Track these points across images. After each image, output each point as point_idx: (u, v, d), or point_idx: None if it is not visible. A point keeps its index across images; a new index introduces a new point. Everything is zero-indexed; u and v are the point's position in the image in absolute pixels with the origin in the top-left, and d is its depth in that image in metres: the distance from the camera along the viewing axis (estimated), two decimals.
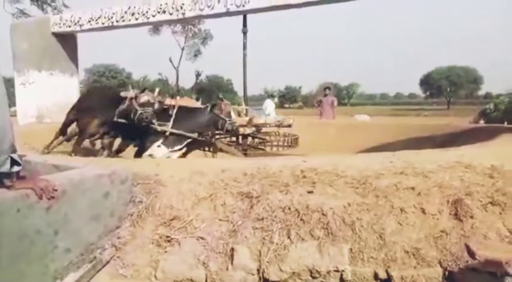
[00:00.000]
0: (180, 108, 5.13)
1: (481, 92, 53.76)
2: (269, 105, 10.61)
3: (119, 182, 2.49)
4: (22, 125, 7.80)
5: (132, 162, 3.14)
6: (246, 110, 6.96)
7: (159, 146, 4.97)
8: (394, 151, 3.46)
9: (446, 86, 49.49)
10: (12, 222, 1.74)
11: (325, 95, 10.89)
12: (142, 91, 4.89)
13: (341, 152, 6.60)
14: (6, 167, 1.71)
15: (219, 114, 5.09)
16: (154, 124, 4.83)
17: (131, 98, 4.76)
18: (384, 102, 74.77)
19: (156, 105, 4.89)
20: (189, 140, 5.10)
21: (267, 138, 6.54)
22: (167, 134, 4.92)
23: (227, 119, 5.06)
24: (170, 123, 4.90)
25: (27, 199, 1.81)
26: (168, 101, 5.42)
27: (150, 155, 4.89)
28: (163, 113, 5.03)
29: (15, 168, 1.76)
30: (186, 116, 5.10)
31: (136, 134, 5.14)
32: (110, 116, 4.94)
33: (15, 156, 1.75)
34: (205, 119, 5.15)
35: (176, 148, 5.10)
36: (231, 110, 5.50)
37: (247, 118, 6.52)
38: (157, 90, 5.14)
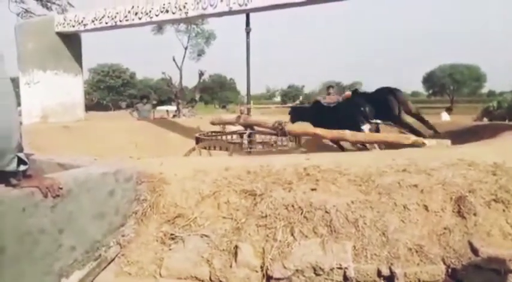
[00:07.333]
0: None
1: (484, 90, 53.44)
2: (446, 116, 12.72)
3: (123, 180, 2.51)
4: (27, 124, 7.84)
5: (137, 161, 3.16)
6: (248, 109, 6.96)
7: None
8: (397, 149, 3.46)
9: (449, 83, 49.20)
10: (17, 220, 1.74)
11: (329, 94, 10.87)
12: None
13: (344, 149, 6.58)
14: (12, 166, 1.72)
15: None
16: None
17: None
18: None
19: None
20: None
21: (274, 137, 6.53)
22: None
23: None
24: None
25: (32, 197, 1.82)
26: None
27: None
28: None
29: (22, 167, 1.78)
30: None
31: None
32: None
33: (21, 155, 1.77)
34: None
35: None
36: None
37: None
38: None
